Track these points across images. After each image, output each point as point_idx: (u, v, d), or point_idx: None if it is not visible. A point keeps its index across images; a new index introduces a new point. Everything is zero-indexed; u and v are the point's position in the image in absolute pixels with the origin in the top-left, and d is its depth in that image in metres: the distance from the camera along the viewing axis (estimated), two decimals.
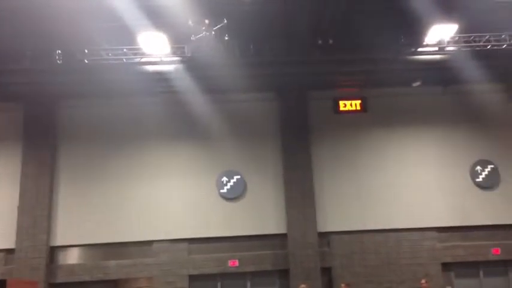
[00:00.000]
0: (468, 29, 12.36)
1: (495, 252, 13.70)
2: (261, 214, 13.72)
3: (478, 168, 14.28)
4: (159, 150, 14.09)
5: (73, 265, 13.35)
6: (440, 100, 14.62)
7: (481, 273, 13.85)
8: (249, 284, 13.63)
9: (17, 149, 13.84)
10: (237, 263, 13.47)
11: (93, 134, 14.15)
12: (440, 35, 12.38)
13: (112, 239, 13.41)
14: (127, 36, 11.58)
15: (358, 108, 14.39)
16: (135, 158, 14.01)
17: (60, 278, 13.21)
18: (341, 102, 14.39)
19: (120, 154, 14.01)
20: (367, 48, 12.73)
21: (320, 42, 12.09)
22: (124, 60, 12.41)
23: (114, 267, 13.27)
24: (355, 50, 12.68)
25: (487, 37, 12.45)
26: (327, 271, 13.54)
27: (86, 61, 12.30)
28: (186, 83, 12.85)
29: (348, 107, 14.30)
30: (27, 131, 13.92)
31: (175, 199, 13.71)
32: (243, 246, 13.61)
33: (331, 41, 12.21)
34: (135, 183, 13.84)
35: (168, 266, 13.31)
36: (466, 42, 12.56)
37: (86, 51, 12.22)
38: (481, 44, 12.44)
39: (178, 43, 12.20)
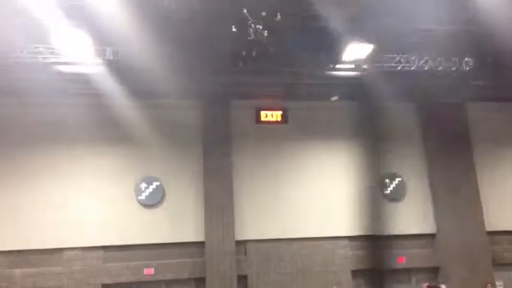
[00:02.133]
0: (382, 50, 13.39)
1: (400, 261, 14.78)
2: (179, 222, 13.93)
3: (386, 181, 15.37)
4: (76, 153, 13.89)
5: None
6: (354, 114, 15.56)
7: (388, 280, 14.90)
8: None
9: None
10: (152, 272, 13.53)
11: (4, 135, 13.60)
12: (357, 53, 13.32)
13: (18, 246, 12.98)
14: (46, 35, 11.33)
15: (279, 119, 15.02)
16: (48, 161, 13.68)
17: None
18: (262, 113, 14.98)
19: (33, 157, 13.66)
20: (289, 62, 13.38)
21: (244, 53, 12.57)
22: (40, 59, 12.09)
23: (19, 276, 12.82)
24: (277, 63, 13.29)
25: (398, 58, 13.54)
26: (243, 279, 13.97)
27: None
28: (107, 86, 12.76)
29: (269, 118, 14.90)
30: None
31: (91, 205, 13.57)
32: (160, 254, 13.73)
33: (254, 53, 12.74)
34: (48, 187, 13.53)
35: (79, 275, 13.12)
36: (380, 61, 13.59)
37: None
38: (392, 64, 13.51)
39: (101, 45, 12.11)
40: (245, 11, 11.36)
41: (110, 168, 13.97)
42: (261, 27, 11.81)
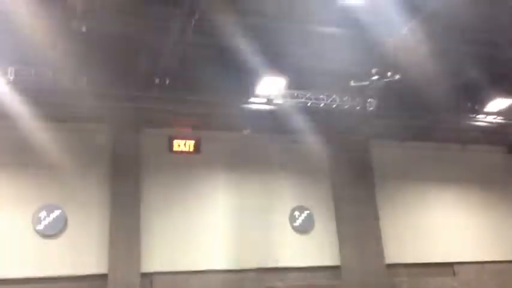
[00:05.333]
0: (294, 85, 14.18)
1: None
2: (81, 252, 13.59)
3: (296, 213, 15.95)
4: None
5: None
6: (267, 147, 16.14)
7: None
8: None
9: None
10: None
11: None
12: (270, 87, 13.98)
13: None
14: None
15: (192, 149, 15.25)
16: None
17: None
18: (175, 142, 15.19)
19: None
20: (204, 92, 13.72)
21: (157, 81, 12.70)
22: None
23: None
24: (191, 92, 13.60)
25: (308, 95, 14.37)
26: None
27: None
28: (6, 107, 12.23)
29: (182, 147, 15.05)
30: None
31: None
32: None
33: (168, 81, 12.92)
34: None
35: None
36: (291, 97, 14.33)
37: None
38: (303, 100, 14.32)
39: (4, 64, 11.67)
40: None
41: (7, 195, 13.25)
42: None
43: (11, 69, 11.72)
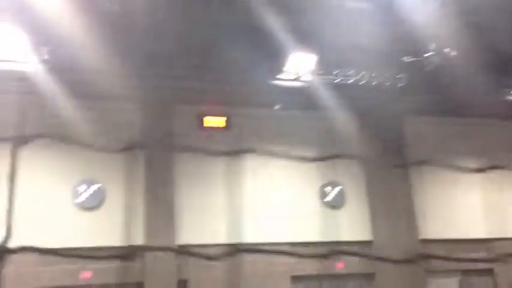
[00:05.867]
0: (323, 61, 14.25)
1: (339, 266, 15.48)
2: (119, 225, 14.12)
3: (327, 189, 16.10)
4: (12, 154, 13.77)
5: None
6: (297, 124, 16.27)
7: (326, 285, 15.60)
8: None
9: None
10: (89, 275, 13.63)
11: None
12: (300, 64, 14.09)
13: None
14: None
15: (223, 125, 15.50)
16: None
17: None
18: (206, 119, 15.39)
19: None
20: (234, 69, 13.97)
21: (187, 58, 13.03)
22: None
23: None
24: (221, 70, 13.84)
25: (337, 71, 14.41)
26: (183, 283, 14.26)
27: None
28: (46, 86, 12.88)
29: (213, 123, 15.35)
30: None
31: (27, 206, 13.51)
32: (98, 258, 13.81)
33: (197, 59, 13.24)
34: None
35: (14, 278, 12.98)
36: (320, 73, 14.41)
37: None
38: (332, 77, 14.39)
39: (38, 44, 12.26)
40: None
41: (48, 170, 14.03)
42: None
43: (45, 49, 12.31)
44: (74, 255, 13.61)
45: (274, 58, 14.04)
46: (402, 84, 14.70)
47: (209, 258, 14.57)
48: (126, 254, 14.15)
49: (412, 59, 13.49)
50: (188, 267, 14.49)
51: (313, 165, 16.24)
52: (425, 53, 13.55)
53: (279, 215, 15.51)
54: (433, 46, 13.38)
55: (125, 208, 14.42)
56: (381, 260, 15.66)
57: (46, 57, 12.34)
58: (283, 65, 14.20)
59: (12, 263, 13.24)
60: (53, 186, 14.04)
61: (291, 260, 15.31)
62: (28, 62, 12.49)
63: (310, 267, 15.44)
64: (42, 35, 11.65)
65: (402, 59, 13.57)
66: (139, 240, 14.25)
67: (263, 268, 14.99)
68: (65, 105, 13.64)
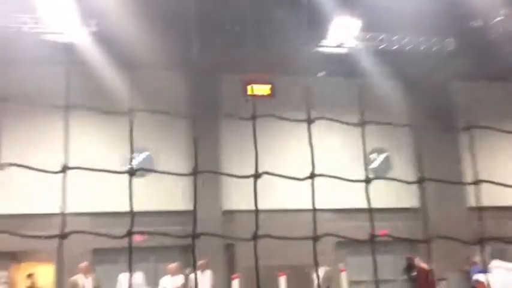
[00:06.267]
0: (368, 27, 14.00)
1: (384, 234, 15.52)
2: (167, 191, 14.63)
3: (373, 155, 16.05)
4: (66, 121, 14.33)
5: None
6: (342, 90, 16.17)
7: (371, 251, 15.69)
8: (152, 259, 14.50)
9: None
10: (141, 238, 14.24)
11: None
12: (344, 30, 13.92)
13: (14, 211, 13.64)
14: (31, 5, 11.84)
15: (267, 92, 15.59)
16: (38, 129, 14.20)
17: None
18: (250, 86, 15.51)
19: (18, 126, 14.10)
20: (277, 36, 13.97)
21: (231, 27, 13.12)
22: (25, 28, 12.59)
23: (15, 239, 13.48)
24: (265, 38, 13.88)
25: (382, 37, 14.12)
26: (230, 247, 14.72)
27: None
28: (94, 56, 13.31)
29: (257, 91, 15.47)
30: None
31: (80, 172, 14.11)
32: (149, 222, 14.40)
33: (241, 28, 13.29)
34: (35, 156, 14.04)
35: (69, 239, 13.72)
36: (365, 39, 14.18)
37: None
38: (377, 42, 14.14)
39: (86, 16, 12.64)
40: None
41: (100, 138, 14.62)
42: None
43: (93, 21, 12.72)
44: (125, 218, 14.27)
45: (318, 24, 13.93)
46: (450, 49, 14.27)
47: (254, 223, 14.93)
48: (174, 218, 14.76)
49: (479, 24, 12.89)
50: (234, 232, 14.96)
51: (358, 132, 16.11)
52: (491, 19, 12.97)
53: (324, 182, 15.60)
54: (502, 12, 12.80)
55: (177, 172, 14.89)
56: (428, 227, 15.63)
57: (94, 28, 12.73)
58: (326, 31, 14.07)
59: (69, 227, 14.03)
60: (103, 153, 14.67)
61: (335, 226, 15.49)
62: (76, 33, 12.94)
63: (354, 233, 15.55)
64: (90, 7, 12.01)
65: (470, 23, 12.97)
66: (187, 205, 14.81)
67: (307, 234, 15.22)
68: (112, 75, 14.07)
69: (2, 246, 13.50)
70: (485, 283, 12.39)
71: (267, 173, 2.51)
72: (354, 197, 15.75)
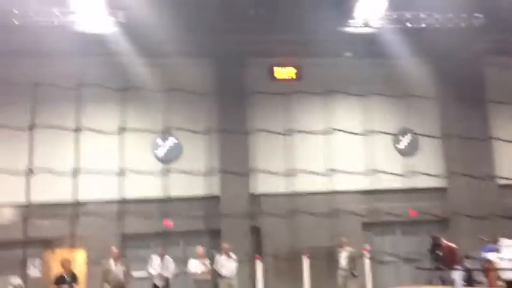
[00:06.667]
0: (395, 7, 13.73)
1: (411, 214, 15.48)
2: (195, 176, 14.77)
3: (401, 135, 15.90)
4: (96, 110, 14.64)
5: (6, 225, 13.85)
6: (368, 71, 16.00)
7: (398, 232, 15.69)
8: (181, 243, 14.74)
9: None
10: (170, 223, 14.47)
11: (22, 93, 14.31)
12: (370, 9, 13.68)
13: (45, 198, 13.95)
14: None
15: (293, 76, 15.56)
16: (69, 117, 14.36)
17: None
18: (277, 70, 15.51)
19: (51, 115, 14.34)
20: (302, 18, 13.82)
21: (254, 11, 13.03)
22: (55, 22, 12.76)
23: (47, 226, 13.87)
24: (289, 20, 13.73)
25: (408, 15, 13.86)
26: (256, 230, 14.85)
27: (16, 22, 12.63)
28: (122, 46, 13.45)
29: (284, 75, 15.46)
30: None
31: (110, 159, 14.32)
32: (177, 207, 14.59)
33: (266, 11, 13.18)
34: (68, 143, 14.28)
35: (100, 225, 14.01)
36: (391, 18, 13.93)
37: (16, 11, 12.54)
38: (403, 21, 13.89)
39: (115, 7, 12.76)
40: None
41: (128, 125, 14.66)
42: None
43: (121, 12, 12.89)
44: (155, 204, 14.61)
45: (343, 5, 13.73)
46: (479, 25, 13.92)
47: (281, 205, 15.06)
48: (203, 202, 14.95)
49: None
50: (261, 214, 15.08)
51: (386, 113, 16.05)
52: None
53: (350, 163, 15.61)
54: None
55: (200, 159, 15.07)
56: (456, 207, 15.49)
57: (121, 19, 12.87)
58: (352, 12, 13.86)
59: (97, 211, 14.34)
60: (134, 140, 14.84)
61: (362, 207, 15.49)
62: (104, 24, 13.11)
63: (382, 213, 15.54)
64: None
65: None
66: (215, 190, 14.96)
67: (332, 215, 15.25)
68: (140, 63, 14.22)
69: (36, 233, 13.86)
70: (494, 262, 12.33)
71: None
72: (380, 178, 15.73)
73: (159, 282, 12.12)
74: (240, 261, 12.77)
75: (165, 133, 15.01)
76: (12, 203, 14.19)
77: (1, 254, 13.88)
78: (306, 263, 12.59)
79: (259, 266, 12.46)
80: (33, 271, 14.52)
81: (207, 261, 12.67)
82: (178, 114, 15.23)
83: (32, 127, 6.84)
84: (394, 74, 16.07)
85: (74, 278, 10.55)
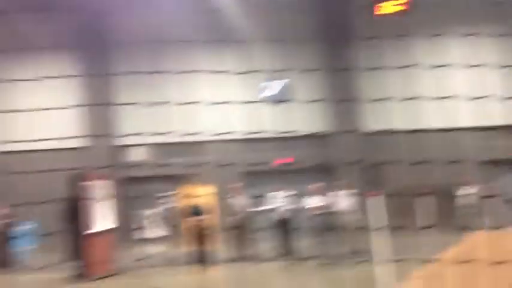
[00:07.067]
0: None
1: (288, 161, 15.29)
2: (306, 115, 15.13)
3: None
4: (210, 55, 15.60)
5: (139, 162, 15.32)
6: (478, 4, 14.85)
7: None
8: (297, 181, 15.31)
9: None
10: (288, 160, 15.07)
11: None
12: None
13: (172, 139, 15.06)
14: None
15: (404, 8, 14.94)
16: (185, 62, 15.23)
17: (126, 174, 15.39)
18: (383, 4, 15.03)
19: (171, 59, 15.21)
20: None
21: None
22: None
23: (179, 164, 15.14)
24: None
25: None
26: (371, 168, 14.98)
27: None
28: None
29: (389, 10, 14.92)
30: None
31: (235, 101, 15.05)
32: (292, 145, 15.14)
33: None
34: (179, 85, 15.37)
35: (222, 164, 14.92)
36: None
37: None
38: None
39: None
40: None
41: (239, 69, 15.26)
42: None
43: None
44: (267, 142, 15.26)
45: None
46: None
47: (393, 142, 14.94)
48: (317, 141, 15.33)
49: None
50: (374, 153, 15.12)
51: (497, 45, 14.91)
52: None
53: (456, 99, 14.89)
54: None
55: (311, 99, 15.30)
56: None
57: None
58: None
59: (219, 151, 15.24)
60: (242, 83, 15.48)
61: (478, 145, 14.86)
62: None
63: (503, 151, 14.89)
64: None
65: None
66: (326, 126, 15.24)
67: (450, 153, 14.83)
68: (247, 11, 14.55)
69: (168, 170, 15.13)
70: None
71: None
72: (493, 114, 14.89)
73: (280, 217, 12.79)
74: (358, 196, 13.04)
75: (277, 75, 15.37)
76: (148, 143, 15.64)
77: (138, 188, 15.52)
78: (426, 201, 12.50)
79: (380, 201, 12.57)
80: (167, 205, 16.05)
81: (326, 197, 13.02)
82: (288, 56, 15.53)
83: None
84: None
85: (202, 210, 11.59)
